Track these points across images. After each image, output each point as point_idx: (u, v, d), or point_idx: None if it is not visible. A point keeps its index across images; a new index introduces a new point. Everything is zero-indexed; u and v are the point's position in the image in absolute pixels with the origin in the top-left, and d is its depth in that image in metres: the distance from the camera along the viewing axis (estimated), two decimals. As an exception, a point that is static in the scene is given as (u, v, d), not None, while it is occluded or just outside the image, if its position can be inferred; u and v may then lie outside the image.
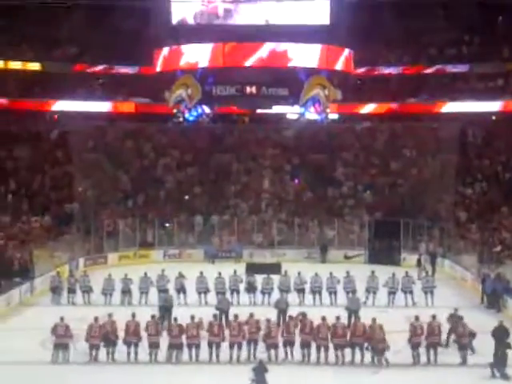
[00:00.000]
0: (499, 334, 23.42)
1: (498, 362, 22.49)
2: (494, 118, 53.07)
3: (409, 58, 53.27)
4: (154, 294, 32.15)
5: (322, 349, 23.78)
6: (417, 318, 24.34)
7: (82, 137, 50.39)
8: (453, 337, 24.76)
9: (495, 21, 53.28)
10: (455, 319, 25.13)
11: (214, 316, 25.29)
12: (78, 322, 26.95)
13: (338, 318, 24.44)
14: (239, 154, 53.22)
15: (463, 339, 23.98)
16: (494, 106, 51.71)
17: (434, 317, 24.37)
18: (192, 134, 52.64)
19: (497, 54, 51.55)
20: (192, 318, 24.39)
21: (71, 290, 33.53)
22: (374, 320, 24.05)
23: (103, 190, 49.34)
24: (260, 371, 20.38)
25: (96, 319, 24.43)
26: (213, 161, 52.54)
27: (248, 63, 40.55)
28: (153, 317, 24.99)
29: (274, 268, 37.52)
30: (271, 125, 53.90)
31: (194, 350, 23.86)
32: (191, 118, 43.29)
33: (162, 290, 31.93)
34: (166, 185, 51.22)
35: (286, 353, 24.15)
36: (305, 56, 41.17)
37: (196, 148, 53.22)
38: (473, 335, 24.35)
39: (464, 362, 23.69)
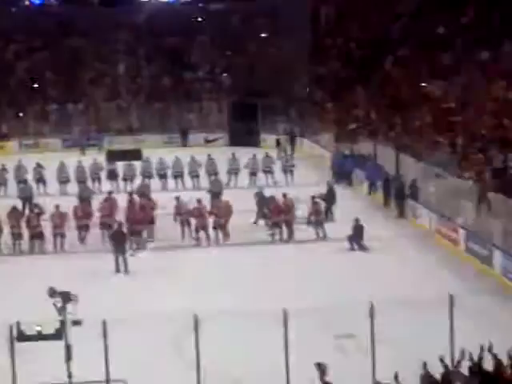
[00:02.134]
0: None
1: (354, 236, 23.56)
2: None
3: None
4: (12, 186, 31.45)
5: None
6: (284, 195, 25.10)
7: None
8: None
9: None
10: (314, 201, 25.71)
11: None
12: None
13: (199, 200, 24.71)
14: (91, 38, 51.58)
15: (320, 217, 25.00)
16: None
17: (284, 195, 25.20)
18: (40, 18, 50.52)
19: None
20: (56, 207, 24.08)
21: None
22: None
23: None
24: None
25: None
26: (64, 46, 50.74)
27: None
28: (14, 208, 24.48)
29: (135, 154, 37.30)
30: (123, 8, 52.40)
31: (58, 240, 23.63)
32: (37, 1, 41.29)
33: (21, 181, 31.24)
34: (16, 72, 49.26)
35: None
36: None
37: (45, 33, 51.12)
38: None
39: (324, 237, 24.58)
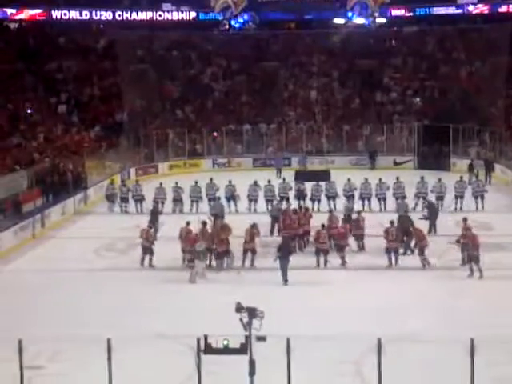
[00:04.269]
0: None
1: None
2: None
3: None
4: (205, 203, 32.63)
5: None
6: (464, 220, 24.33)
7: (128, 47, 50.32)
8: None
9: None
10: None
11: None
12: (132, 230, 27.54)
13: (392, 222, 24.58)
14: (286, 61, 52.79)
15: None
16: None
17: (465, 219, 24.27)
18: (238, 41, 52.29)
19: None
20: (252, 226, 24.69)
21: (124, 199, 34.03)
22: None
23: (151, 100, 49.53)
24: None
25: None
26: (259, 69, 52.25)
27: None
28: (204, 223, 25.30)
29: (323, 175, 37.65)
30: (318, 30, 53.22)
31: (248, 255, 24.22)
32: (237, 26, 42.84)
33: (212, 199, 32.38)
34: (213, 94, 51.23)
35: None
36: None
37: (242, 56, 52.90)
38: None
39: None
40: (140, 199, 33.68)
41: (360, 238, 26.00)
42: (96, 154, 41.71)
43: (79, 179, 37.14)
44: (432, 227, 27.78)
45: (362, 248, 25.96)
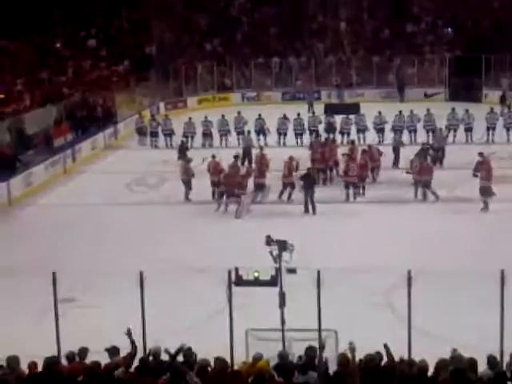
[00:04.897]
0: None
1: None
2: None
3: None
4: (233, 136, 32.63)
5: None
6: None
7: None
8: None
9: None
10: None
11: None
12: (162, 164, 27.64)
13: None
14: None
15: None
16: None
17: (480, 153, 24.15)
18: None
19: None
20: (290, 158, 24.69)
21: (154, 134, 34.11)
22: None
23: (180, 32, 49.14)
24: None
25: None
26: (288, 0, 51.43)
27: None
28: (235, 157, 25.34)
29: (354, 108, 37.36)
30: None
31: (288, 189, 24.20)
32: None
33: (240, 132, 32.35)
34: (242, 26, 50.67)
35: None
36: None
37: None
38: None
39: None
40: (170, 133, 33.70)
41: (376, 169, 26.12)
42: (125, 89, 41.65)
43: (109, 114, 37.18)
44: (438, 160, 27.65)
45: (374, 180, 26.12)
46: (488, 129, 32.45)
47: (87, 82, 41.19)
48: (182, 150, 29.02)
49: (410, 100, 42.96)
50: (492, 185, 22.89)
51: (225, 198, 23.47)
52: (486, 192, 22.70)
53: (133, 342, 10.99)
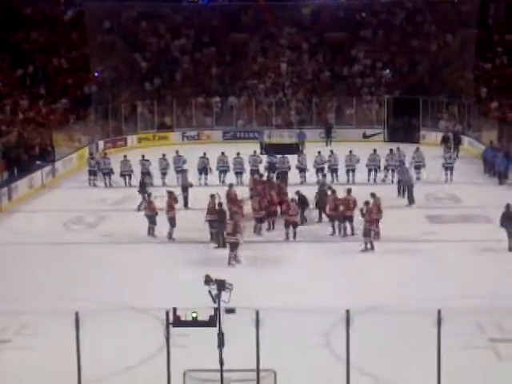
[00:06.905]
0: None
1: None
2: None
3: None
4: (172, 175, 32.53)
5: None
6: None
7: (96, 18, 49.61)
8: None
9: None
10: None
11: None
12: (101, 203, 27.29)
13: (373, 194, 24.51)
14: (255, 33, 52.41)
15: None
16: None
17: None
18: (207, 13, 51.82)
19: None
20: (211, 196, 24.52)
21: (92, 172, 33.73)
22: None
23: (120, 72, 49.01)
24: None
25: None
26: (229, 41, 51.83)
27: None
28: (170, 193, 25.10)
29: (293, 148, 37.52)
30: (288, 2, 52.86)
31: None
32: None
33: (179, 171, 32.19)
34: (182, 66, 50.78)
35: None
36: None
37: (212, 28, 52.42)
38: None
39: None
40: (108, 172, 33.42)
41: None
42: (64, 127, 41.26)
43: (46, 152, 36.70)
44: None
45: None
46: (370, 170, 32.98)
47: (25, 120, 40.72)
48: (143, 186, 28.70)
49: (349, 140, 43.24)
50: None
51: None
52: (368, 233, 22.99)
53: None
